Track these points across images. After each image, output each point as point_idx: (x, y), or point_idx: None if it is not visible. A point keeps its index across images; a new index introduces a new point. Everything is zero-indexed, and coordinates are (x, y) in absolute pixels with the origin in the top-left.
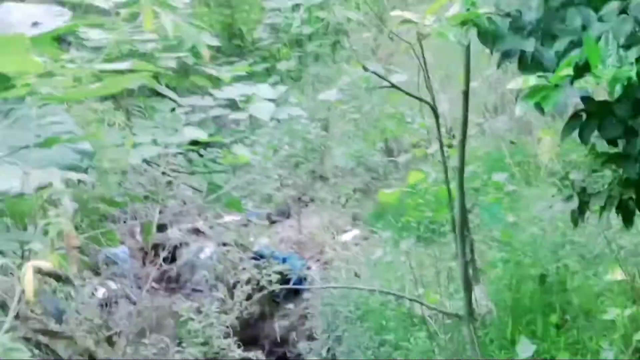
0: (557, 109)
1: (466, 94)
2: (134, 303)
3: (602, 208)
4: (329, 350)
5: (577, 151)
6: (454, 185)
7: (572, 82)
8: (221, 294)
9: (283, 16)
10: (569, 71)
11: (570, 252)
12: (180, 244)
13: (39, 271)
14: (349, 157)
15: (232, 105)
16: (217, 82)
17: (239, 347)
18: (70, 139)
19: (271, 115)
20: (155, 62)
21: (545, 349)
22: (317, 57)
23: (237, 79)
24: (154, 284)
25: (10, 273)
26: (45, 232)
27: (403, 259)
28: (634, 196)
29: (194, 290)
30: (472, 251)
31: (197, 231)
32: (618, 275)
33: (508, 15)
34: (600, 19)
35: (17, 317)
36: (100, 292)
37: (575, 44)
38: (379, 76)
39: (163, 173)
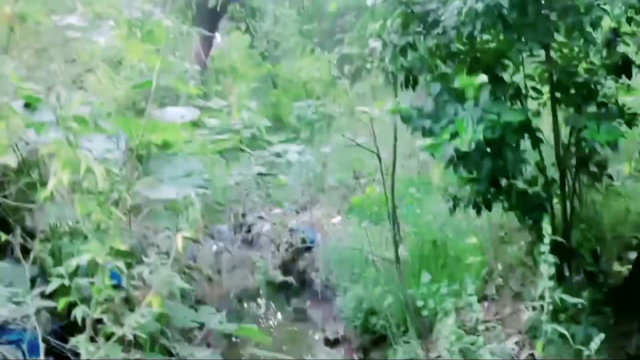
0: (441, 155)
1: (395, 148)
2: (230, 253)
3: (465, 206)
4: (326, 277)
5: (452, 177)
6: (389, 194)
7: (449, 142)
8: (273, 248)
9: (303, 110)
10: (447, 136)
11: (449, 228)
12: (253, 224)
13: (183, 237)
14: (336, 180)
15: (278, 155)
16: (270, 143)
17: (281, 275)
18: (199, 172)
19: (297, 160)
20: (240, 134)
21: (436, 278)
22: (320, 130)
23: (280, 142)
24: (240, 244)
25: (169, 237)
26: (186, 218)
27: (363, 232)
28: (481, 199)
29: (260, 247)
30: (398, 227)
31: (261, 217)
32: (473, 240)
33: (416, 108)
34: (464, 109)
35: (174, 259)
36: (214, 248)
37: (451, 122)
38: (350, 139)
39: (244, 189)
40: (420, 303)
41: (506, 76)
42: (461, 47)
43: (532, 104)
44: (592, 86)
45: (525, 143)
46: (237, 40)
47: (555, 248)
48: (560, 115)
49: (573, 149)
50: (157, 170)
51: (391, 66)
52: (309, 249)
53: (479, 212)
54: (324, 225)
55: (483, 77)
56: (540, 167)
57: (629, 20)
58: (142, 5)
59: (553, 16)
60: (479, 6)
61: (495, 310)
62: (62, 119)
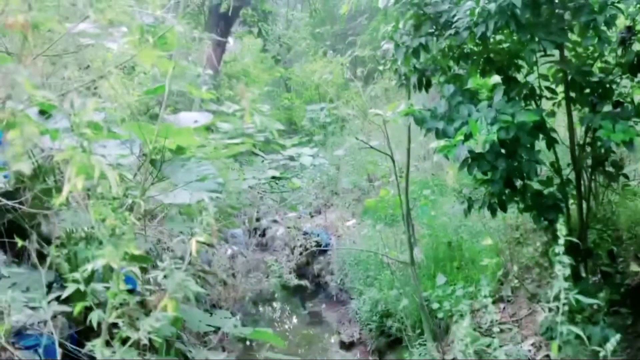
0: (455, 157)
1: (408, 150)
2: (245, 257)
3: (480, 207)
4: (341, 280)
5: (466, 178)
6: (403, 196)
7: (463, 143)
8: (287, 252)
9: (316, 113)
10: (461, 137)
11: (464, 230)
12: (267, 227)
13: (198, 241)
14: (350, 183)
15: (291, 158)
16: (283, 147)
17: (296, 278)
18: (213, 176)
19: (310, 163)
20: (253, 137)
21: (451, 280)
22: (333, 133)
23: (293, 145)
24: (254, 247)
25: (183, 242)
26: (200, 222)
27: (377, 234)
28: (496, 200)
29: (274, 250)
30: (412, 230)
31: (275, 221)
32: (489, 241)
33: (429, 110)
34: (477, 110)
35: (189, 263)
36: (228, 252)
37: (464, 124)
38: (364, 142)
39: (258, 192)
40: (435, 305)
41: (520, 77)
42: (474, 48)
43: (546, 104)
44: (607, 85)
45: (540, 144)
46: (250, 44)
47: (571, 249)
48: (575, 115)
49: (588, 149)
50: (171, 175)
51: (404, 68)
52: (323, 252)
53: (494, 214)
54: (339, 228)
55: (496, 78)
56: (556, 168)
57: None
58: (154, 11)
59: (567, 15)
60: (492, 6)
61: (511, 312)
62: (75, 125)
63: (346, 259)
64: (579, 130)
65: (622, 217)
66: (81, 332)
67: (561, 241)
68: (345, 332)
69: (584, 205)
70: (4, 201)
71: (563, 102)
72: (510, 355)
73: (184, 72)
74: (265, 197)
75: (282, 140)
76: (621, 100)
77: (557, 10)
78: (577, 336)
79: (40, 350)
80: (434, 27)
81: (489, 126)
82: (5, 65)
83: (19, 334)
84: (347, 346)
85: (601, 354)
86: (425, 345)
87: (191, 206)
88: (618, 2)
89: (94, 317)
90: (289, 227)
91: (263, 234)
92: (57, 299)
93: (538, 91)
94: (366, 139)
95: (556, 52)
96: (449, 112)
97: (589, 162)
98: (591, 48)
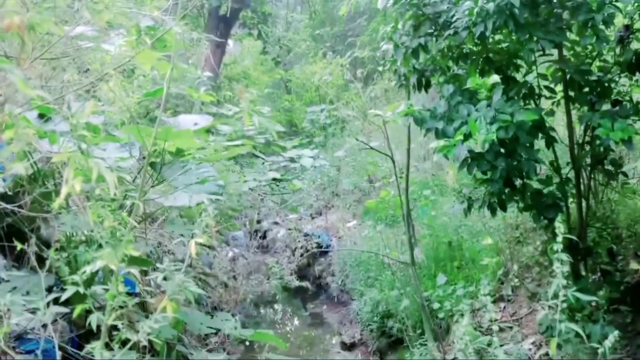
0: (455, 156)
1: (408, 151)
2: (246, 259)
3: (480, 207)
4: (342, 281)
5: (466, 178)
6: (403, 197)
7: (463, 143)
8: (288, 254)
9: (316, 115)
10: (461, 137)
11: (464, 230)
12: (268, 229)
13: (198, 243)
14: (351, 184)
15: (292, 160)
16: (283, 148)
17: (297, 280)
18: (213, 178)
19: (311, 164)
20: (253, 139)
21: (452, 280)
22: (333, 134)
23: (293, 147)
24: (255, 250)
25: (183, 244)
26: (200, 224)
27: (378, 235)
28: (496, 200)
29: (275, 252)
30: (413, 230)
31: (276, 223)
32: (489, 240)
33: (429, 110)
34: (477, 110)
35: (189, 266)
36: (229, 254)
37: (464, 123)
38: (364, 143)
39: (258, 194)
40: (436, 305)
41: (519, 76)
42: (473, 48)
43: (545, 104)
44: (606, 84)
45: (540, 143)
46: (250, 46)
47: (571, 247)
48: (575, 114)
49: (588, 148)
50: (172, 178)
51: (403, 68)
52: (324, 253)
53: (493, 213)
54: (339, 229)
55: (495, 78)
56: (555, 167)
57: None
58: (152, 13)
59: (565, 15)
60: (490, 6)
61: (511, 311)
62: (73, 127)
63: (347, 260)
64: (578, 129)
65: (622, 216)
66: (82, 335)
67: (559, 239)
68: (346, 333)
69: (584, 203)
70: (3, 205)
71: (562, 101)
72: (510, 354)
73: (184, 74)
74: (266, 199)
75: (282, 142)
76: (620, 98)
77: (555, 10)
78: (577, 334)
79: (39, 353)
80: (433, 27)
81: (488, 126)
82: (3, 68)
83: (19, 339)
84: (348, 347)
85: (600, 351)
86: (426, 345)
87: (191, 209)
88: (616, 1)
89: (93, 319)
90: (289, 229)
91: (264, 236)
92: (56, 301)
93: (537, 90)
94: (366, 140)
95: (555, 52)
96: (449, 112)
97: (588, 160)
98: (590, 47)
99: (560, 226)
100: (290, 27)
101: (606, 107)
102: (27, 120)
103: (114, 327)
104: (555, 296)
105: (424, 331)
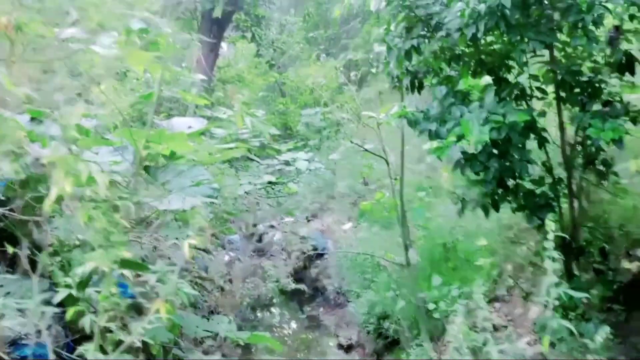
0: (448, 158)
1: (402, 152)
2: (242, 262)
3: (473, 207)
4: (338, 283)
5: (460, 179)
6: (398, 199)
7: (456, 144)
8: (284, 257)
9: (310, 117)
10: (454, 139)
11: (458, 231)
12: (264, 233)
13: (191, 246)
14: (346, 186)
15: (287, 163)
16: (278, 152)
17: (293, 282)
18: (207, 182)
19: (306, 167)
20: (247, 143)
21: (447, 281)
22: (328, 137)
23: (288, 150)
24: (251, 253)
25: (176, 244)
26: (194, 226)
27: (374, 237)
28: (489, 200)
29: (271, 255)
30: (407, 232)
31: (272, 226)
32: (483, 242)
33: (422, 111)
34: (469, 111)
35: (185, 270)
36: (226, 258)
37: (456, 125)
38: (359, 145)
39: (254, 198)
40: (431, 306)
41: (511, 77)
42: (465, 50)
43: (537, 104)
44: (597, 85)
45: (532, 143)
46: (244, 49)
47: (563, 247)
48: (567, 115)
49: (579, 148)
50: (166, 181)
51: (396, 70)
52: (320, 256)
53: (487, 213)
54: (335, 232)
55: (487, 79)
56: (547, 167)
57: (632, 18)
58: (143, 15)
59: (556, 16)
60: (482, 7)
61: (506, 311)
62: (64, 129)
63: (343, 262)
64: (570, 130)
65: (613, 215)
66: (78, 340)
67: (550, 236)
68: (343, 335)
69: (576, 203)
70: None
71: (554, 102)
72: (504, 353)
73: (177, 77)
74: (262, 202)
75: (277, 145)
76: (611, 99)
77: (546, 11)
78: (572, 333)
79: (30, 357)
80: (426, 29)
81: (480, 127)
82: None
83: (13, 344)
84: (345, 349)
85: (591, 347)
86: (422, 345)
87: (186, 212)
88: (606, 2)
89: (86, 321)
90: (285, 232)
91: (260, 240)
92: (48, 303)
93: (529, 91)
94: (361, 142)
95: (546, 52)
96: (442, 114)
97: (580, 160)
98: (580, 48)
99: (550, 224)
100: (284, 30)
101: (597, 107)
102: (17, 123)
103: (110, 331)
104: (548, 293)
105: (420, 332)
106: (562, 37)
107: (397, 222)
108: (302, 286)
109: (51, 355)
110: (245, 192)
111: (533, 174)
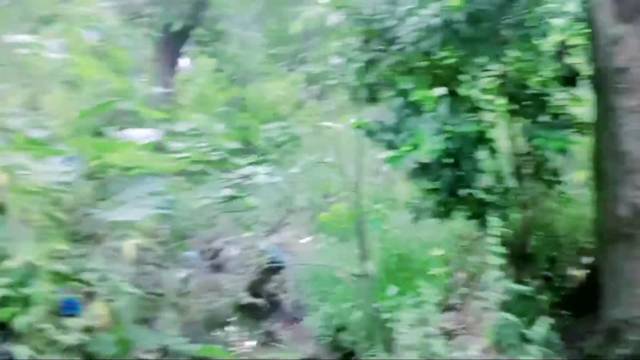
0: (403, 167)
1: (359, 163)
2: (197, 278)
3: (430, 216)
4: (295, 297)
5: (416, 190)
6: (355, 211)
7: (410, 153)
8: (242, 271)
9: (271, 132)
10: (408, 148)
11: (414, 242)
12: (221, 248)
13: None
14: (305, 200)
15: (246, 177)
16: (237, 166)
17: (250, 297)
18: (161, 193)
19: (265, 181)
20: (206, 156)
21: (402, 291)
22: (288, 151)
23: (249, 164)
24: (206, 269)
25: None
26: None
27: (331, 249)
28: (443, 209)
29: (228, 271)
30: (365, 243)
31: (229, 241)
32: (438, 251)
33: (380, 122)
34: (423, 122)
35: (136, 285)
36: (182, 274)
37: (411, 135)
38: (316, 159)
39: (212, 212)
40: (387, 315)
41: (464, 90)
42: (420, 64)
43: (489, 116)
44: (544, 98)
45: (485, 153)
46: (203, 64)
47: (513, 255)
48: (518, 127)
49: (529, 158)
50: (118, 192)
51: (354, 83)
52: (278, 269)
53: (440, 222)
54: (294, 245)
55: (441, 90)
56: (498, 176)
57: (576, 34)
58: (102, 27)
59: (505, 31)
60: (436, 21)
61: (460, 319)
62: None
63: (301, 275)
64: (521, 141)
65: (561, 224)
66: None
67: (493, 232)
68: (300, 349)
69: (526, 212)
70: None
71: (506, 114)
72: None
73: (133, 89)
74: (220, 217)
75: (238, 159)
76: (557, 112)
77: (496, 26)
78: (523, 339)
79: None
80: (382, 43)
81: (433, 137)
82: None
83: None
84: None
85: (541, 354)
86: (375, 355)
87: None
88: (552, 18)
89: (19, 320)
90: (243, 248)
91: (216, 255)
92: None
93: (480, 104)
94: (321, 155)
95: (497, 67)
96: (397, 124)
97: (530, 170)
98: (529, 62)
99: (491, 220)
100: (245, 46)
101: (546, 119)
102: None
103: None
104: (489, 287)
105: (376, 342)
106: (513, 52)
107: (355, 234)
108: (259, 301)
109: None
110: (203, 206)
111: (484, 183)
